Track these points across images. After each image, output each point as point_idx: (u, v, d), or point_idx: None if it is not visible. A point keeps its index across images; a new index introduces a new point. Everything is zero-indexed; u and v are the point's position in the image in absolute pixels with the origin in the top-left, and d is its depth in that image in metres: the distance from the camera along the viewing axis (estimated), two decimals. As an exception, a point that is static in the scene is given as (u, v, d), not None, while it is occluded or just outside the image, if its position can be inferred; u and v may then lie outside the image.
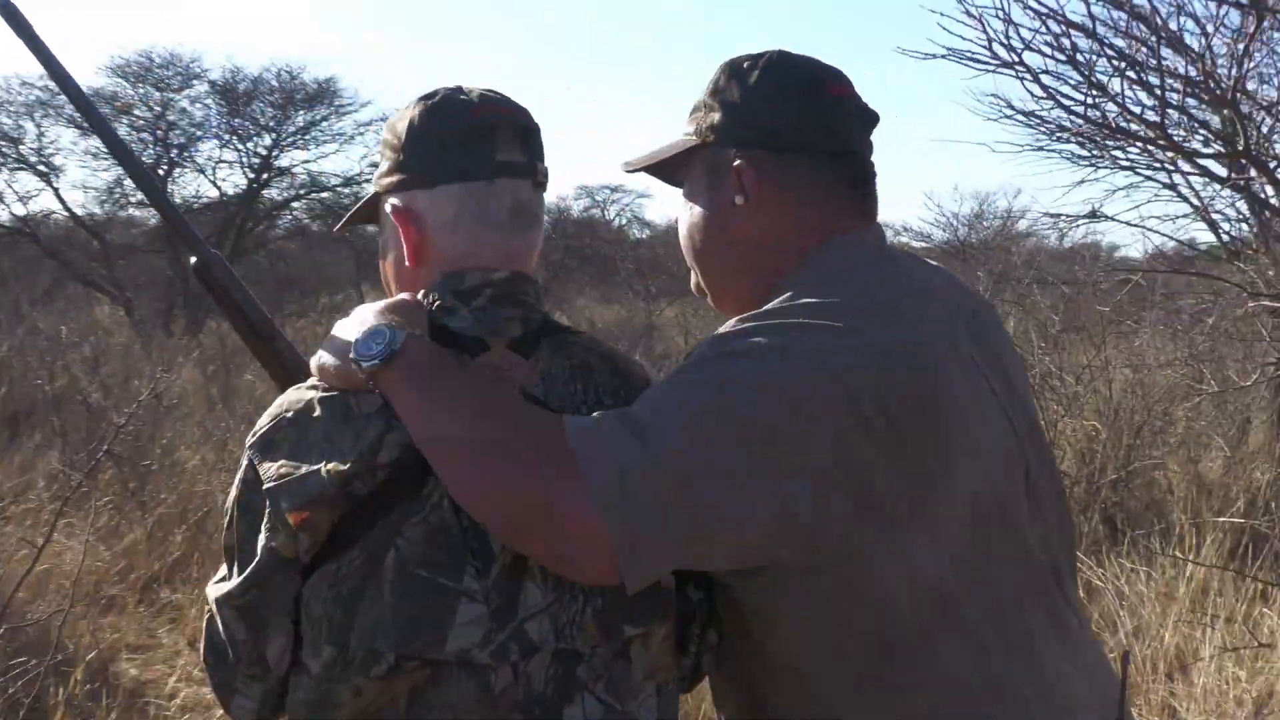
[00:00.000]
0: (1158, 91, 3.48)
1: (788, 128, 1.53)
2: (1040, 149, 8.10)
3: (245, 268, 18.22)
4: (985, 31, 3.58)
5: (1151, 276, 7.61)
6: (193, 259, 1.56)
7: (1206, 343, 7.61)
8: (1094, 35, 3.59)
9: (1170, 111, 3.65)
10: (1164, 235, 8.94)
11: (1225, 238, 8.71)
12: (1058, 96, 3.90)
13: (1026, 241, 18.74)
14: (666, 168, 1.66)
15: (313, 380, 1.43)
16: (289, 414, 1.38)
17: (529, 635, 1.34)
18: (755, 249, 1.55)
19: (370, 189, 1.59)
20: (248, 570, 1.34)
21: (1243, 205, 8.55)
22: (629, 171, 1.71)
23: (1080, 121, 4.27)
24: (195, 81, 18.64)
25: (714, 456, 1.25)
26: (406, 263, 1.51)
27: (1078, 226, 9.02)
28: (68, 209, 17.85)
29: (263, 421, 1.40)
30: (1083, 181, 8.75)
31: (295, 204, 20.16)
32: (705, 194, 1.59)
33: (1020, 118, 7.78)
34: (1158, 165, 7.70)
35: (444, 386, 1.32)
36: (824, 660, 1.41)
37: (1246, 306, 7.80)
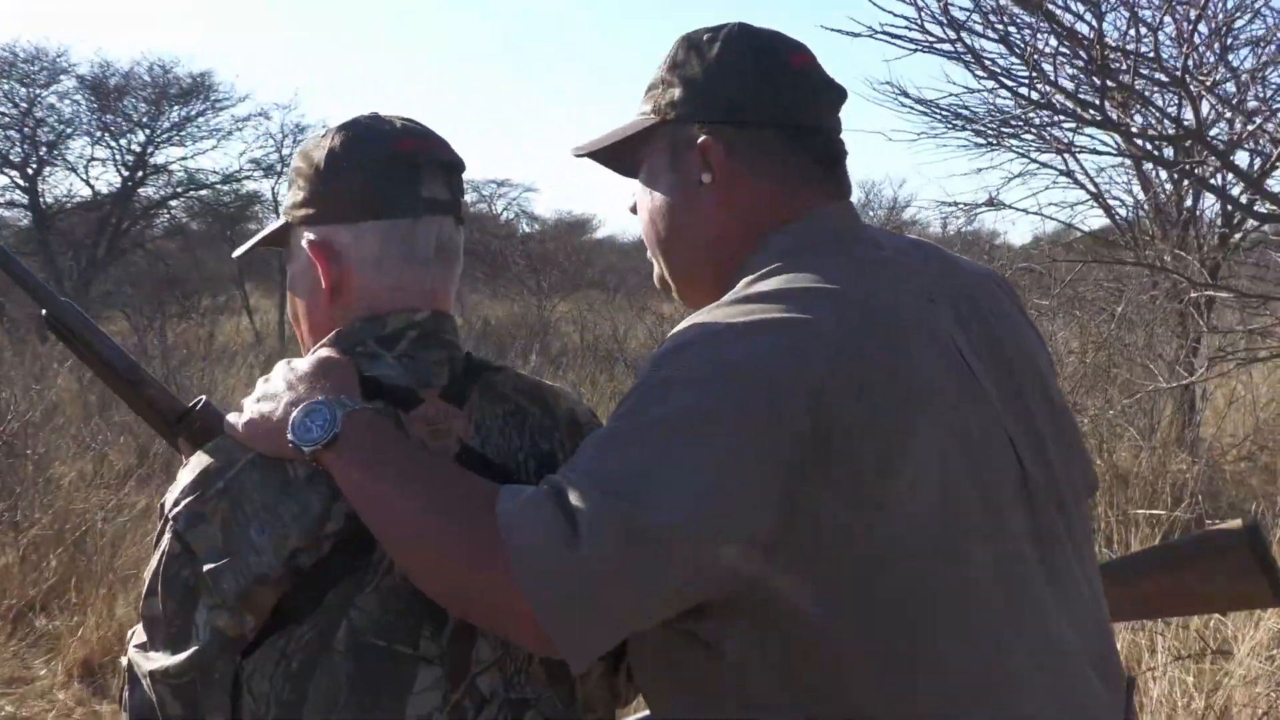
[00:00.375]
0: (1095, 67, 3.35)
1: (751, 101, 1.45)
2: (935, 136, 8.14)
3: (123, 269, 17.71)
4: (917, 7, 3.43)
5: (1053, 264, 7.62)
6: (43, 311, 1.49)
7: (1115, 330, 7.65)
8: (1039, 7, 3.44)
9: (1112, 92, 3.52)
10: (1061, 222, 8.97)
11: (1122, 223, 8.81)
12: (1000, 77, 3.77)
13: (911, 229, 19.02)
14: (621, 152, 1.56)
15: (230, 441, 1.37)
16: (219, 484, 1.32)
17: (480, 690, 1.35)
18: (721, 231, 1.47)
19: (281, 217, 1.52)
20: (189, 651, 1.29)
21: (1138, 190, 8.66)
22: (579, 156, 1.61)
23: (1024, 103, 4.15)
24: (63, 76, 18.03)
25: (650, 550, 1.18)
26: (323, 300, 1.46)
27: (977, 214, 9.03)
28: (-69, 210, 17.13)
29: (183, 490, 1.33)
30: (981, 169, 8.77)
31: (173, 202, 19.64)
32: (668, 175, 1.51)
33: (915, 105, 7.81)
34: (1055, 150, 7.74)
35: (387, 469, 1.28)
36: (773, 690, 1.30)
37: (1148, 293, 7.86)
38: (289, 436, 1.29)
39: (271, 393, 1.36)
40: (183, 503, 1.31)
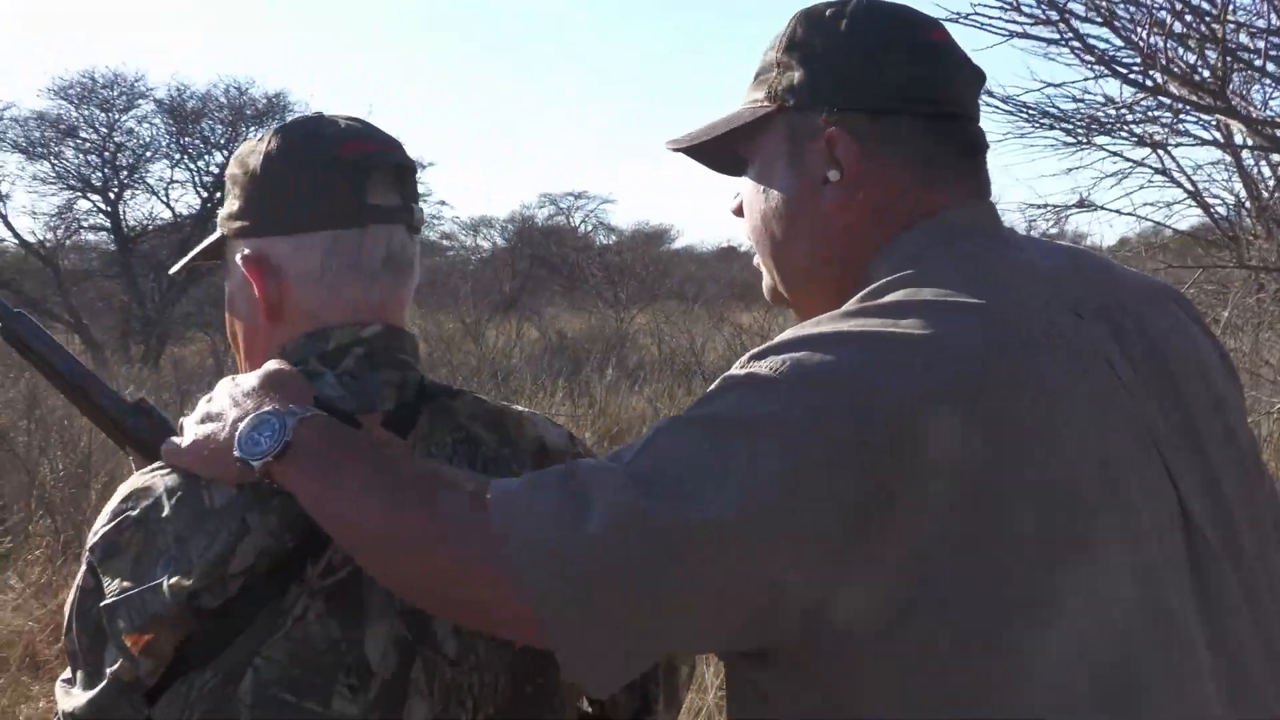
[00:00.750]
0: (1219, 45, 3.03)
1: (890, 84, 1.27)
2: (1022, 136, 7.88)
3: (204, 289, 17.88)
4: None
5: (1153, 270, 7.27)
6: None
7: (1220, 335, 7.25)
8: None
9: (1242, 70, 3.22)
10: (1156, 223, 8.60)
11: (1222, 222, 8.46)
12: (1112, 64, 3.47)
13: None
14: (724, 146, 1.37)
15: (159, 464, 1.28)
16: (134, 512, 1.23)
17: None
18: (848, 235, 1.28)
19: (217, 229, 1.41)
20: (92, 693, 1.21)
21: (1239, 187, 8.29)
22: (675, 150, 1.43)
23: (1136, 91, 3.84)
24: (141, 101, 18.43)
25: (663, 545, 1.03)
26: (261, 319, 1.35)
27: (1067, 216, 8.70)
28: (17, 236, 17.50)
29: (103, 519, 1.26)
30: (1071, 170, 8.45)
31: (252, 223, 19.79)
32: (786, 171, 1.31)
33: (1001, 104, 7.55)
34: (1150, 147, 7.44)
35: (348, 474, 1.16)
36: None
37: (1254, 295, 7.47)
38: (236, 453, 1.19)
39: (215, 411, 1.26)
40: (100, 533, 1.24)
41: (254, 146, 1.35)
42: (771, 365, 1.09)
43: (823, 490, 1.03)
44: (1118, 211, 8.50)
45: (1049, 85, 6.73)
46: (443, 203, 35.40)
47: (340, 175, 1.31)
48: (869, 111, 1.27)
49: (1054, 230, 9.33)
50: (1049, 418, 1.09)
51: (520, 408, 1.45)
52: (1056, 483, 1.08)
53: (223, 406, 1.26)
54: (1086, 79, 5.15)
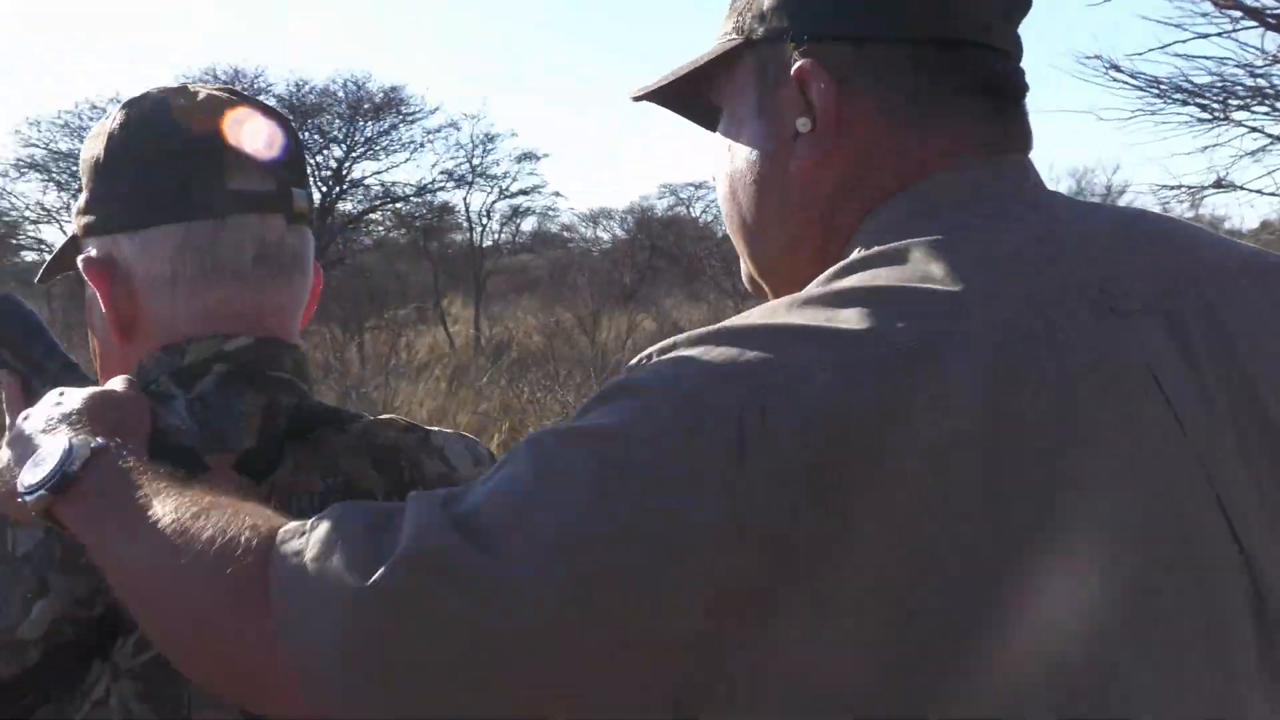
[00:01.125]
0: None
1: (881, 6, 0.97)
2: (1154, 113, 7.57)
3: (325, 282, 18.10)
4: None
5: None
6: None
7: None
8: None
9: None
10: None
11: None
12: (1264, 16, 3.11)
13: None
14: (693, 90, 1.10)
15: None
16: None
17: None
18: (824, 202, 1.00)
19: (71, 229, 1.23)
20: None
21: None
22: (638, 99, 1.17)
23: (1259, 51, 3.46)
24: (261, 96, 18.52)
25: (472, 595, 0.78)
26: (114, 335, 1.14)
27: (1203, 197, 8.23)
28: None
29: None
30: (1206, 148, 8.01)
31: (371, 215, 20.06)
32: (753, 121, 1.04)
33: (1129, 79, 7.24)
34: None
35: (128, 519, 0.92)
36: None
37: None
38: (19, 487, 0.98)
39: (27, 434, 1.05)
40: None
41: (99, 128, 1.16)
42: (658, 371, 0.84)
43: (692, 509, 0.77)
44: (1259, 192, 7.96)
45: (1179, 47, 6.37)
46: (557, 194, 35.67)
47: (192, 156, 1.11)
48: (854, 40, 0.97)
49: (1190, 213, 8.84)
50: (1064, 464, 0.85)
51: (436, 430, 1.20)
52: (1062, 491, 0.86)
53: (35, 428, 1.05)
54: (1224, 33, 4.73)
